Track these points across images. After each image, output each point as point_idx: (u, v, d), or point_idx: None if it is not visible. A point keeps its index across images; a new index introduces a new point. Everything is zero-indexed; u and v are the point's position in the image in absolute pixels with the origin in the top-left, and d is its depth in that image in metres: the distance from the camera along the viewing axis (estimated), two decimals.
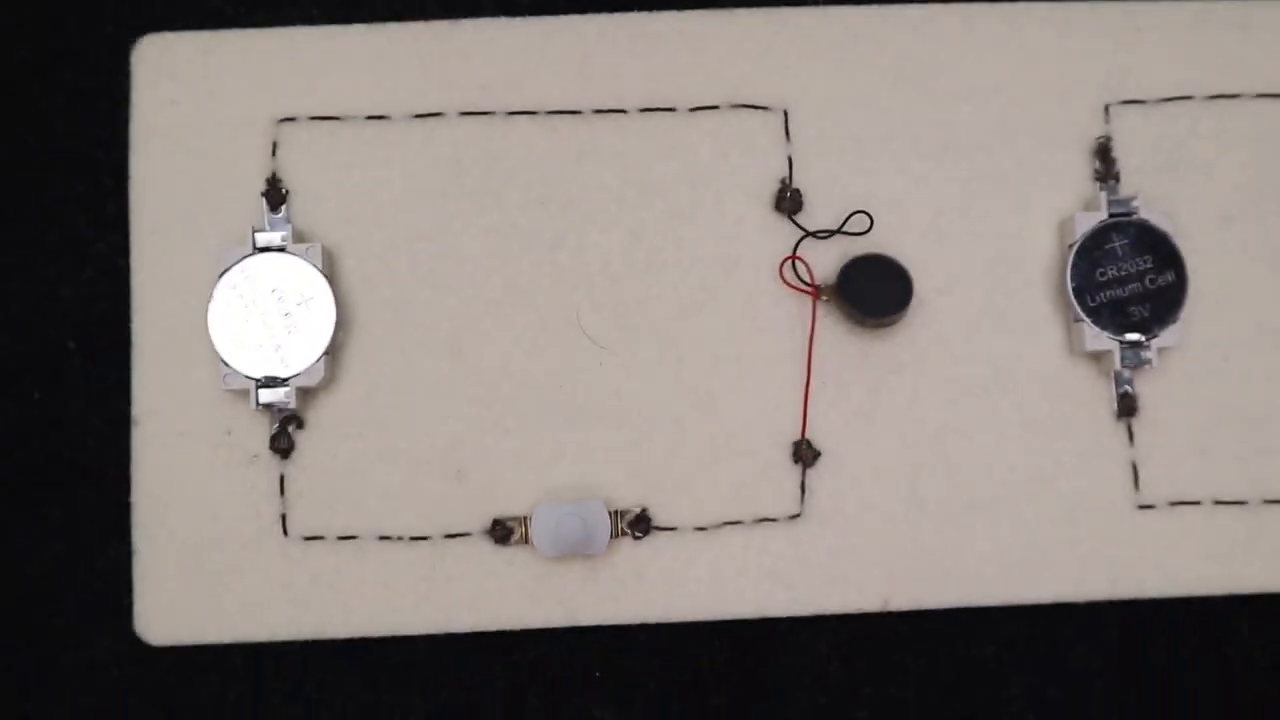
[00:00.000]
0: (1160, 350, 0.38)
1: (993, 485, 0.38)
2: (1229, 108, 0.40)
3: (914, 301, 0.38)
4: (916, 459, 0.38)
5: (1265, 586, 0.38)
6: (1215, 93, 0.40)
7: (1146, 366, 0.38)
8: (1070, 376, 0.39)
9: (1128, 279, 0.38)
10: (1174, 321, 0.38)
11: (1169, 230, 0.38)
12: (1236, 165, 0.39)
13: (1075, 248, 0.38)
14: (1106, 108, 0.39)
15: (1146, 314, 0.38)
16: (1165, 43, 0.40)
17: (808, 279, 0.38)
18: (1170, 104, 0.40)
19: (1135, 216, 0.38)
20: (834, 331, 0.38)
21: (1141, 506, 0.38)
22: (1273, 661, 0.38)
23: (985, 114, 0.39)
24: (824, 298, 0.38)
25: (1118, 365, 0.38)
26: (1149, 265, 0.38)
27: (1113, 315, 0.38)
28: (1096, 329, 0.38)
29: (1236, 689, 0.38)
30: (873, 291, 0.37)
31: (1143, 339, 0.38)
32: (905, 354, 0.38)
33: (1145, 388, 0.39)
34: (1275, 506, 0.38)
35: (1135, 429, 0.39)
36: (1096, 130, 0.39)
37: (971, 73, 0.39)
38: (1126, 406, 0.38)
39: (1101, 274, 0.38)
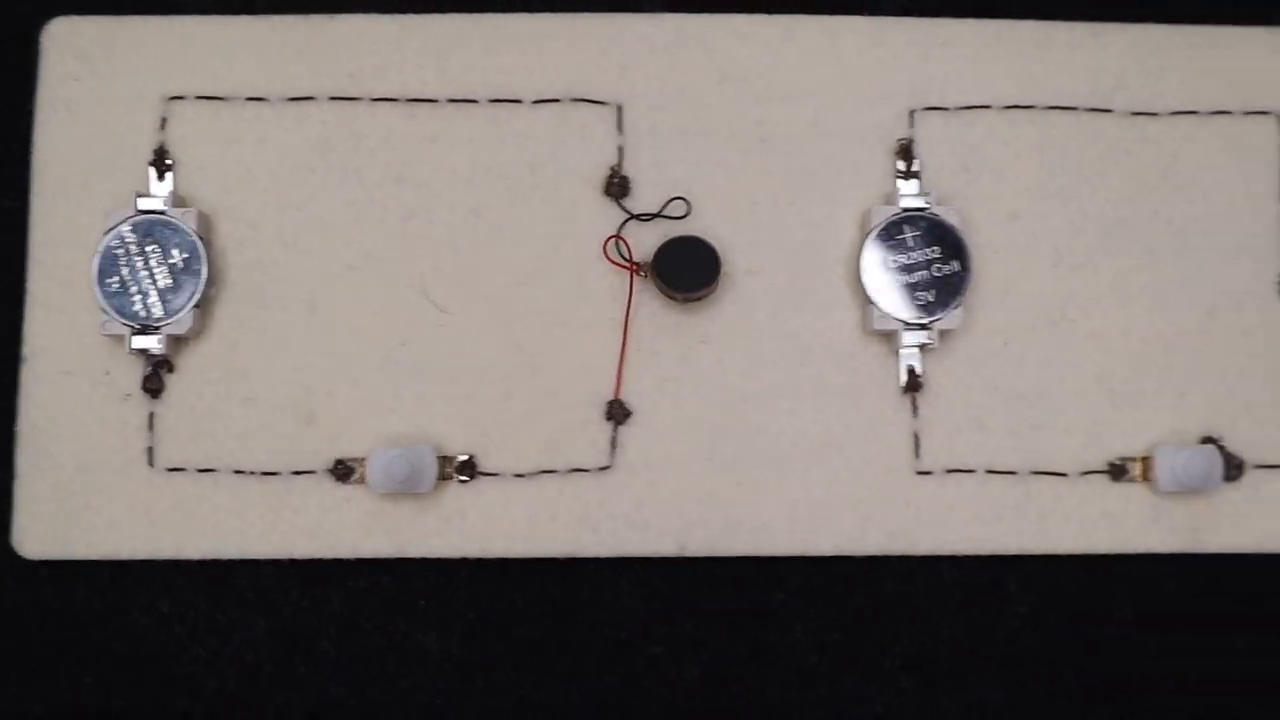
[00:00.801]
0: (942, 332, 0.44)
1: (786, 447, 0.43)
2: (1022, 117, 0.45)
3: (723, 280, 0.44)
4: (718, 421, 0.43)
5: (1028, 548, 0.44)
6: (1011, 103, 0.45)
7: (929, 346, 0.43)
8: (863, 353, 0.44)
9: (916, 267, 0.44)
10: (956, 306, 0.44)
11: (956, 224, 0.44)
12: (1026, 169, 0.45)
13: (870, 237, 0.44)
14: (911, 113, 0.45)
15: (931, 299, 0.43)
16: (968, 56, 0.45)
17: (628, 257, 0.44)
18: (969, 112, 0.45)
19: (927, 211, 0.44)
20: (651, 305, 0.44)
21: (920, 473, 0.44)
22: (1034, 616, 0.44)
23: (800, 115, 0.45)
24: (642, 274, 0.44)
25: (902, 344, 0.43)
26: (937, 255, 0.44)
27: (900, 299, 0.44)
28: (884, 310, 0.44)
29: (1000, 638, 0.44)
30: (683, 269, 0.43)
31: (926, 321, 0.44)
32: (714, 327, 0.44)
33: (931, 366, 0.44)
34: (1042, 477, 0.44)
35: (919, 403, 0.44)
36: (901, 133, 0.45)
37: (790, 77, 0.45)
38: (912, 382, 0.44)
39: (893, 261, 0.44)
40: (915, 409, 0.44)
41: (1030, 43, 0.46)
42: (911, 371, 0.44)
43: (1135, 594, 0.44)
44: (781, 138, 0.45)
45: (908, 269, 0.44)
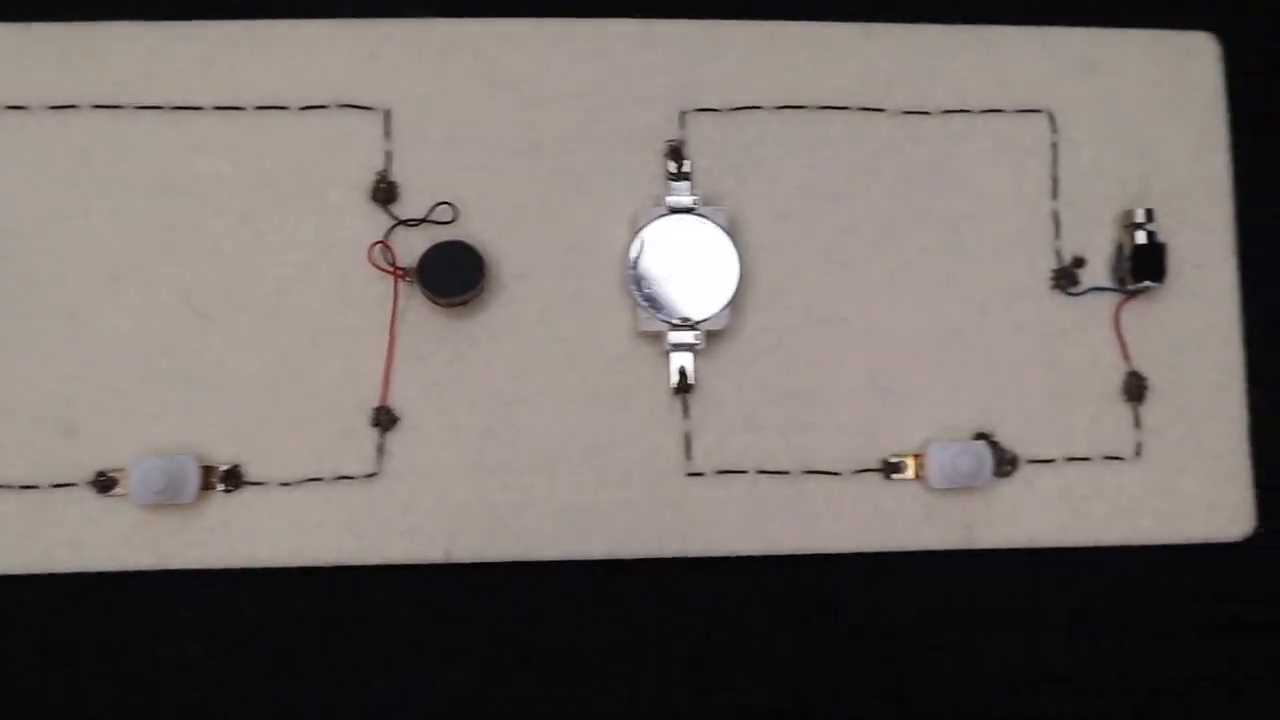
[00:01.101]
0: (711, 333, 0.45)
1: (555, 451, 0.45)
2: (794, 118, 0.46)
3: (492, 284, 0.45)
4: (487, 425, 0.45)
5: (801, 548, 0.45)
6: (783, 104, 0.47)
7: (698, 347, 0.45)
8: (634, 355, 0.45)
9: (683, 269, 0.45)
10: (722, 307, 0.45)
11: (722, 225, 0.45)
12: (797, 169, 0.46)
13: (637, 240, 0.45)
14: (682, 114, 0.46)
15: (698, 300, 0.45)
16: (739, 58, 0.46)
17: (392, 262, 0.45)
18: (741, 113, 0.46)
19: (694, 213, 0.46)
20: (419, 311, 0.45)
21: (691, 474, 0.45)
22: (810, 615, 0.45)
23: (570, 118, 0.46)
24: (407, 279, 0.45)
25: (667, 345, 0.45)
26: (703, 257, 0.45)
27: (667, 300, 0.45)
28: (651, 312, 0.45)
29: (777, 638, 0.45)
30: (446, 274, 0.44)
31: (691, 322, 0.45)
32: (483, 331, 0.45)
33: (702, 367, 0.45)
34: (815, 476, 0.45)
35: (690, 404, 0.45)
36: (671, 134, 0.46)
37: (560, 81, 0.46)
38: (682, 383, 0.46)
39: (660, 264, 0.45)
40: (686, 410, 0.45)
41: (802, 43, 0.47)
42: (682, 373, 0.45)
43: (911, 592, 0.46)
44: (551, 141, 0.46)
45: (674, 271, 0.45)
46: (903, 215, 0.46)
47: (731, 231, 0.45)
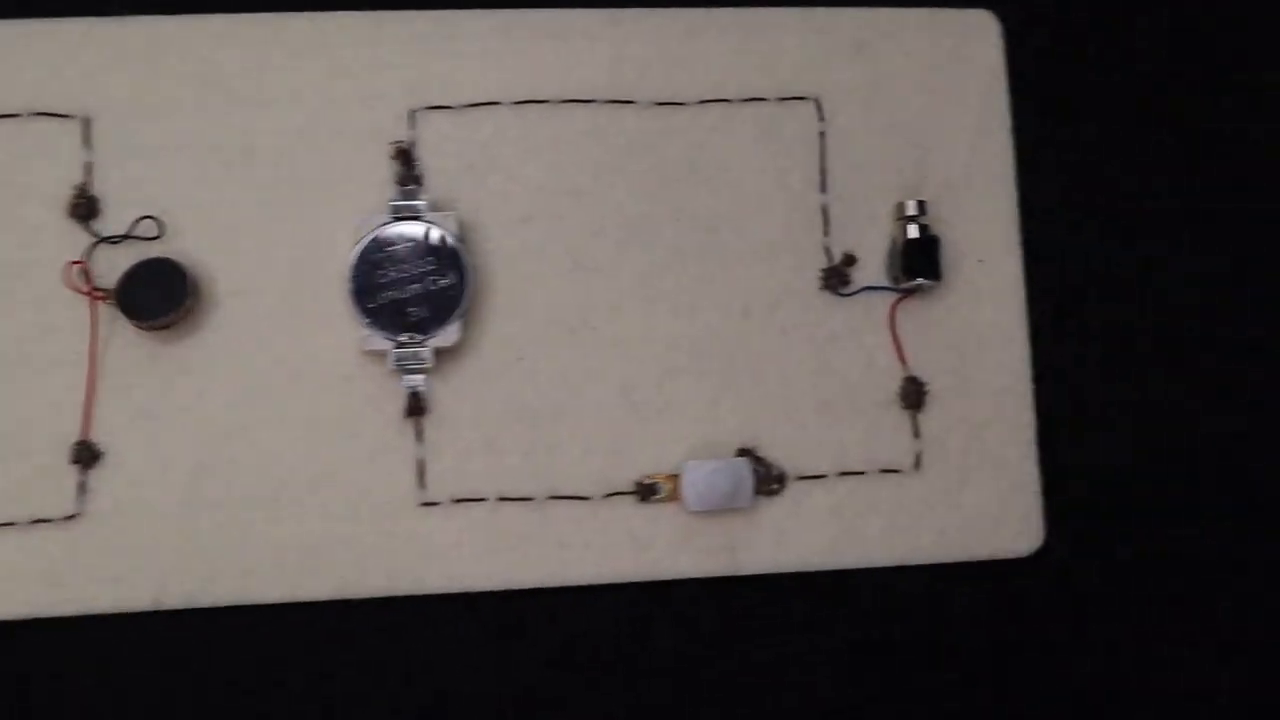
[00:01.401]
0: (442, 350, 0.43)
1: (276, 484, 0.42)
2: (534, 113, 0.44)
3: (205, 304, 0.43)
4: (200, 458, 0.42)
5: (547, 581, 0.43)
6: (523, 98, 0.45)
7: (424, 366, 0.43)
8: (363, 376, 0.42)
9: (409, 280, 0.43)
10: (451, 321, 0.43)
11: (452, 232, 0.44)
12: (539, 168, 0.44)
13: (358, 250, 0.43)
14: (412, 113, 0.44)
15: (426, 314, 0.43)
16: (474, 51, 0.44)
17: (91, 283, 0.43)
18: (476, 109, 0.44)
19: (421, 219, 0.44)
20: (124, 336, 0.42)
21: (425, 504, 0.42)
22: (561, 653, 0.43)
23: (290, 121, 0.43)
24: (108, 301, 0.43)
25: (391, 365, 0.43)
26: (431, 267, 0.43)
27: (392, 317, 0.43)
28: (374, 329, 0.43)
29: (523, 678, 0.43)
30: (146, 294, 0.42)
31: (418, 339, 0.43)
32: (195, 355, 0.42)
33: (438, 386, 0.43)
34: (562, 502, 0.43)
35: (424, 427, 0.43)
36: (401, 135, 0.44)
37: (277, 81, 0.43)
38: (413, 405, 0.43)
39: (383, 276, 0.43)
40: (419, 434, 0.43)
41: (544, 33, 0.45)
42: (413, 394, 0.43)
43: (674, 623, 0.44)
44: (269, 147, 0.44)
45: (399, 284, 0.43)
46: (656, 215, 0.44)
47: (465, 238, 0.43)
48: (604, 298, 0.44)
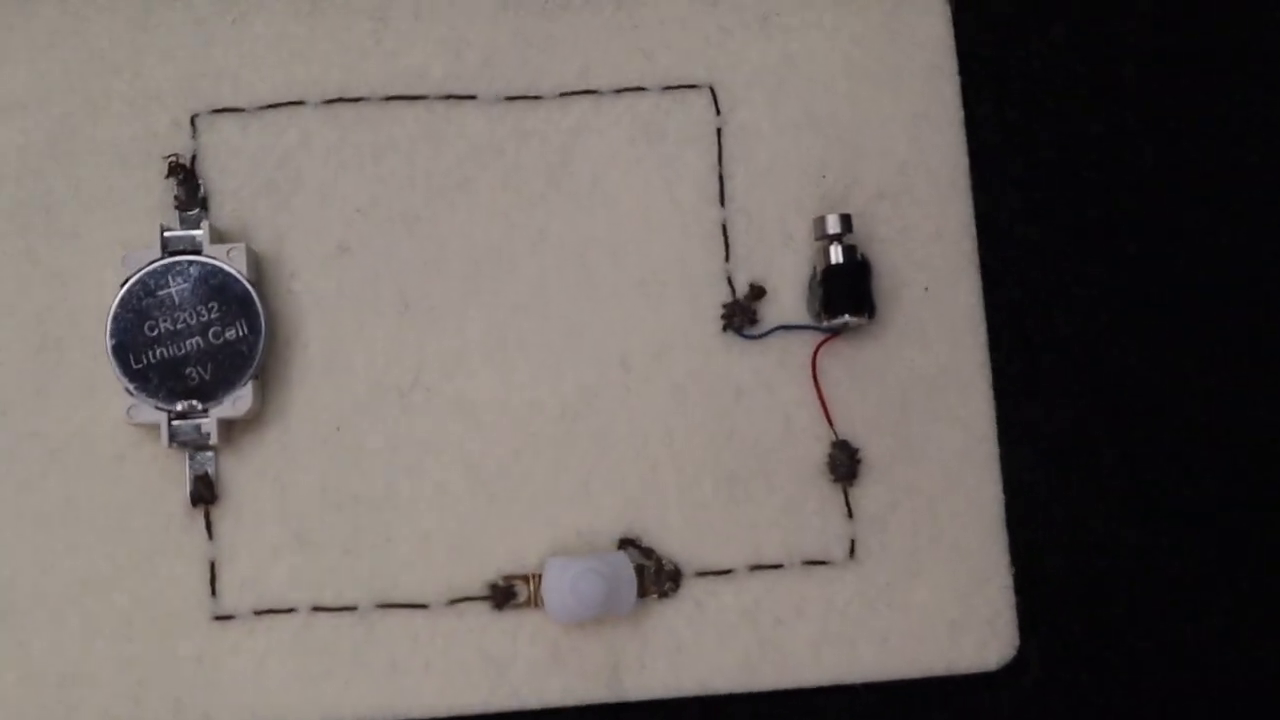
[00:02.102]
0: (228, 421, 0.38)
1: (25, 596, 0.37)
2: (349, 115, 0.39)
3: None
4: None
5: (371, 715, 0.37)
6: (333, 96, 0.40)
7: (207, 441, 0.37)
8: (136, 456, 0.38)
9: (186, 333, 0.37)
10: (242, 384, 0.37)
11: (239, 271, 0.38)
12: (357, 184, 0.39)
13: (119, 296, 0.37)
14: (194, 118, 0.39)
15: (209, 376, 0.37)
16: (270, 37, 0.40)
17: None
18: (275, 111, 0.39)
19: (202, 254, 0.38)
20: None
21: (219, 617, 0.37)
22: None
23: (36, 131, 0.39)
24: None
25: (166, 441, 0.37)
26: (215, 314, 0.37)
27: (165, 379, 0.37)
28: (142, 396, 0.37)
29: None
30: None
31: (199, 407, 0.37)
32: None
33: (233, 467, 0.38)
34: (395, 611, 0.38)
35: (216, 519, 0.38)
36: (178, 146, 0.39)
37: (19, 83, 0.39)
38: (201, 491, 0.38)
39: (152, 328, 0.37)
40: (209, 528, 0.38)
41: (361, 12, 0.40)
42: (199, 478, 0.38)
43: None
44: (10, 164, 0.39)
45: (174, 337, 0.37)
46: (510, 241, 0.40)
47: (260, 276, 0.39)
48: (443, 349, 0.40)
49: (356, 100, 0.40)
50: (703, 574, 0.39)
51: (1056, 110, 0.42)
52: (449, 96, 0.40)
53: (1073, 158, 0.42)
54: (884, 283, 0.40)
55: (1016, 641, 0.39)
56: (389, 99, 0.40)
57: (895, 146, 0.41)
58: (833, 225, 0.39)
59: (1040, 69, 0.42)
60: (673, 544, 0.39)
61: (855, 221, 0.40)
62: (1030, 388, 0.41)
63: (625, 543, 0.39)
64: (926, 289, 0.40)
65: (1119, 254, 0.41)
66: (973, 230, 0.41)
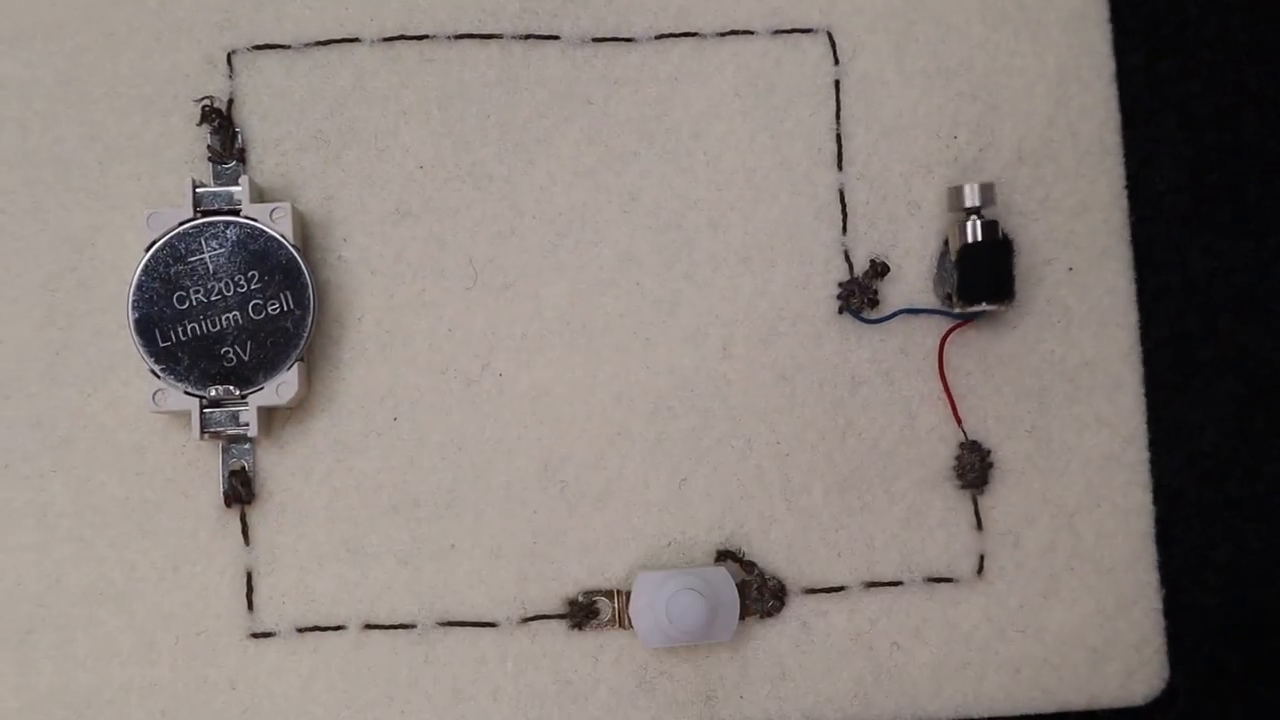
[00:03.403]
0: (269, 410, 0.32)
1: (37, 606, 0.32)
2: (409, 54, 0.34)
3: None
4: None
5: None
6: (392, 33, 0.34)
7: (247, 433, 0.32)
8: (160, 447, 0.33)
9: (222, 306, 0.32)
10: (287, 367, 0.32)
11: (284, 235, 0.32)
12: (418, 137, 0.34)
13: (144, 262, 0.32)
14: (230, 56, 0.34)
15: (246, 356, 0.32)
16: None
17: None
18: (325, 49, 0.34)
19: (241, 215, 0.32)
20: None
21: (256, 635, 0.33)
22: None
23: (49, 72, 0.33)
24: None
25: (198, 432, 0.32)
26: (255, 285, 0.32)
27: (198, 360, 0.32)
28: (170, 379, 0.32)
29: None
30: None
31: (235, 393, 0.32)
32: None
33: (270, 462, 0.33)
34: (455, 630, 0.33)
35: (254, 522, 0.33)
36: (213, 89, 0.33)
37: (28, 19, 0.33)
38: (237, 490, 0.33)
39: (182, 299, 0.32)
40: (245, 533, 0.33)
41: None
42: (238, 474, 0.33)
43: None
44: (14, 109, 0.33)
45: (206, 311, 0.32)
46: (596, 204, 0.35)
47: (308, 242, 0.34)
48: (518, 329, 0.35)
49: (420, 38, 0.35)
50: (811, 591, 0.34)
51: (1216, 62, 0.37)
52: (528, 36, 0.35)
53: (1236, 118, 0.37)
54: (1022, 261, 0.35)
55: (1166, 673, 0.35)
56: (458, 37, 0.35)
57: (1037, 104, 0.36)
58: (971, 197, 0.34)
59: (1198, 14, 0.37)
60: (777, 557, 0.34)
61: (995, 192, 0.34)
62: (1186, 384, 0.36)
63: (724, 555, 0.34)
64: (1071, 269, 0.35)
65: None
66: (1124, 202, 0.36)
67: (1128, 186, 0.36)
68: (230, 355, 0.32)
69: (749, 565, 0.33)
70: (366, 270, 0.34)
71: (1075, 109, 0.35)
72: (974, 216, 0.34)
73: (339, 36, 0.34)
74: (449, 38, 0.34)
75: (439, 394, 0.34)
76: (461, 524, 0.33)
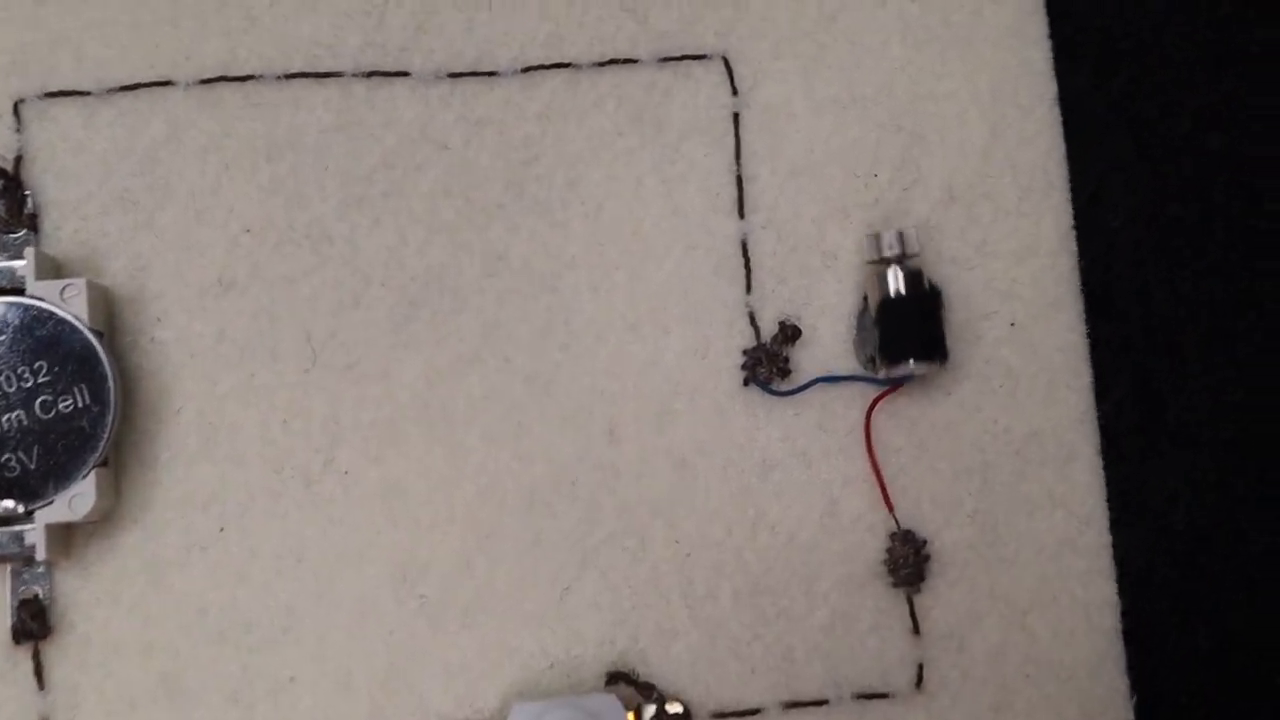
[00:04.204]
0: (62, 526, 0.27)
1: None
2: (234, 98, 0.30)
3: None
4: None
5: None
6: (211, 75, 0.30)
7: (31, 553, 0.27)
8: None
9: (2, 405, 0.27)
10: (83, 474, 0.27)
11: (78, 316, 0.27)
12: (250, 193, 0.29)
13: None
14: (17, 106, 0.30)
15: (32, 464, 0.27)
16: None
17: None
18: (131, 95, 0.30)
19: (26, 295, 0.27)
20: None
21: None
22: None
23: None
24: None
25: None
26: (44, 378, 0.27)
27: None
28: None
29: None
30: None
31: (18, 509, 0.27)
32: None
33: (72, 590, 0.28)
34: None
35: (50, 661, 0.28)
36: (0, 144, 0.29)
37: None
38: (28, 624, 0.27)
39: None
40: (40, 673, 0.28)
41: None
42: (29, 604, 0.28)
43: None
44: None
45: None
46: (457, 268, 0.31)
47: (112, 325, 0.30)
48: (367, 417, 0.30)
49: (244, 79, 0.31)
50: (721, 716, 0.30)
51: (1173, 79, 0.33)
52: (371, 74, 0.31)
53: (1197, 141, 0.33)
54: (956, 316, 0.31)
55: None
56: (289, 77, 0.31)
57: (969, 133, 0.32)
58: (891, 244, 0.30)
59: (1151, 26, 0.33)
60: (680, 676, 0.30)
61: (920, 236, 0.30)
62: (1152, 451, 0.32)
63: (616, 677, 0.30)
64: (1013, 324, 0.31)
65: (1262, 270, 0.31)
66: (1073, 244, 0.32)
67: (1076, 225, 0.32)
68: (13, 464, 0.27)
69: (646, 688, 0.29)
70: (185, 353, 0.29)
71: (1013, 138, 0.32)
72: (896, 265, 0.30)
73: (148, 80, 0.30)
74: (278, 78, 0.30)
75: (273, 497, 0.29)
76: (303, 651, 0.29)
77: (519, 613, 0.29)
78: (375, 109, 0.30)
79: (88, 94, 0.29)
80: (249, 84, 0.30)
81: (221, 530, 0.29)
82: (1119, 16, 0.33)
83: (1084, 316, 0.32)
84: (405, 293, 0.29)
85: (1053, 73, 0.32)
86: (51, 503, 0.27)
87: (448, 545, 0.29)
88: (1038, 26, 0.32)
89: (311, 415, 0.29)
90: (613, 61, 0.31)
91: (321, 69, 0.30)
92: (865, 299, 0.30)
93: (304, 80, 0.30)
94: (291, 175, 0.30)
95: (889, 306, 0.29)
